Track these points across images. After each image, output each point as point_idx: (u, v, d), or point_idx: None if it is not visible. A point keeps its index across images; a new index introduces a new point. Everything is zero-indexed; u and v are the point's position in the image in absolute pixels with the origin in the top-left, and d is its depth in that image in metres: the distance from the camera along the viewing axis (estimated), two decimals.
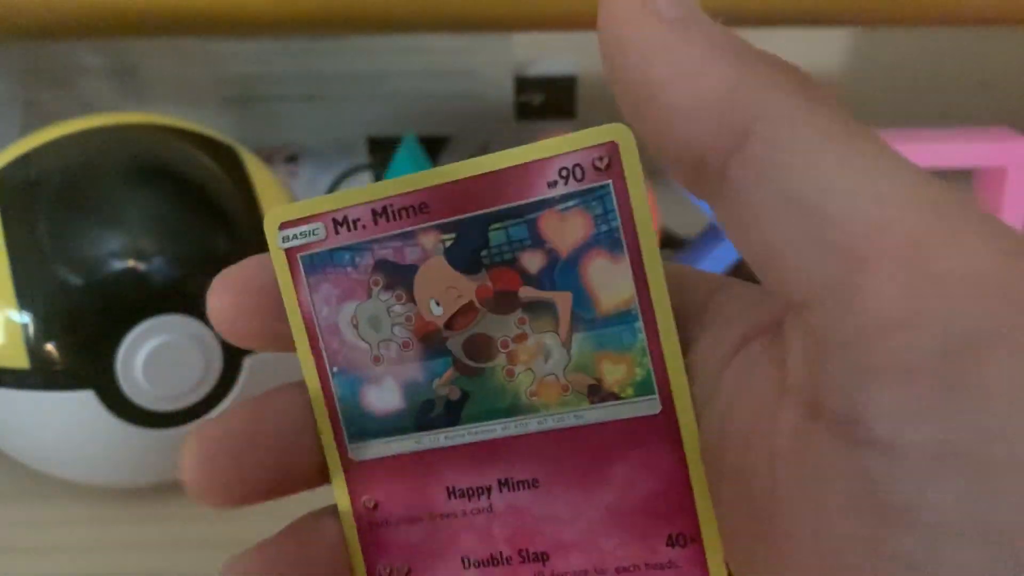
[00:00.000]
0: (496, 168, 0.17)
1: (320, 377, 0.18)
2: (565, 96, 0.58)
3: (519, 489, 0.18)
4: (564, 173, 0.17)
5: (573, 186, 0.17)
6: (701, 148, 0.14)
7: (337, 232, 0.18)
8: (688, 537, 0.17)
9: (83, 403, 0.34)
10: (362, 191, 0.18)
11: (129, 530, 0.38)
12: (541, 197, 0.17)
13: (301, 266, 0.18)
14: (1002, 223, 0.12)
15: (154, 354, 0.34)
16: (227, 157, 0.39)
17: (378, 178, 0.59)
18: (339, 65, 0.56)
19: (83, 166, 0.36)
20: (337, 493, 0.19)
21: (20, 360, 0.34)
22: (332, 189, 0.54)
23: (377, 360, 0.18)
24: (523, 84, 0.57)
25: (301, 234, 0.18)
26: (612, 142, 0.17)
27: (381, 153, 0.59)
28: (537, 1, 0.44)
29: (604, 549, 0.17)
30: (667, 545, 0.17)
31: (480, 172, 0.17)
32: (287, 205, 0.18)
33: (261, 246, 0.41)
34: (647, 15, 0.14)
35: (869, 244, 0.12)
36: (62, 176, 0.36)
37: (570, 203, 0.17)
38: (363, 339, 0.18)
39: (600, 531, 0.17)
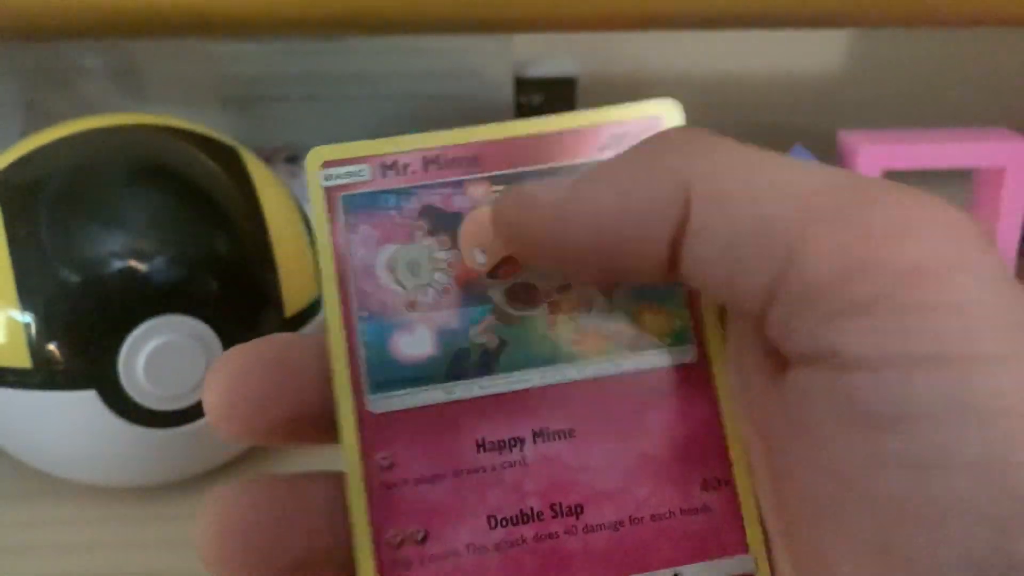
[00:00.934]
0: (550, 130, 0.18)
1: (345, 322, 0.18)
2: (565, 97, 0.58)
3: (554, 440, 0.17)
4: (613, 140, 0.18)
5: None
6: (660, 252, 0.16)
7: (384, 175, 0.18)
8: (722, 480, 0.17)
9: (85, 403, 0.34)
10: (414, 138, 0.18)
11: (131, 529, 0.38)
12: (591, 159, 0.18)
13: (341, 205, 0.18)
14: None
15: (156, 354, 0.34)
16: (228, 157, 0.39)
17: None
18: (339, 66, 0.56)
19: (85, 167, 0.36)
20: (345, 449, 0.17)
21: (22, 360, 0.34)
22: None
23: (412, 305, 0.18)
24: (523, 85, 0.57)
25: (346, 174, 0.18)
26: (659, 116, 0.18)
27: None
28: (537, 3, 0.45)
29: (639, 497, 0.17)
30: (701, 490, 0.17)
31: (534, 132, 0.18)
32: (333, 145, 0.18)
33: (262, 247, 0.41)
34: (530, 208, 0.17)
35: (801, 220, 0.14)
36: (64, 176, 0.36)
37: None
38: (400, 283, 0.18)
39: (635, 479, 0.17)
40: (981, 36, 0.62)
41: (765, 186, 0.14)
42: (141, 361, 0.34)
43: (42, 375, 0.34)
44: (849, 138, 0.46)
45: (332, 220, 0.18)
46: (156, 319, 0.34)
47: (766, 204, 0.14)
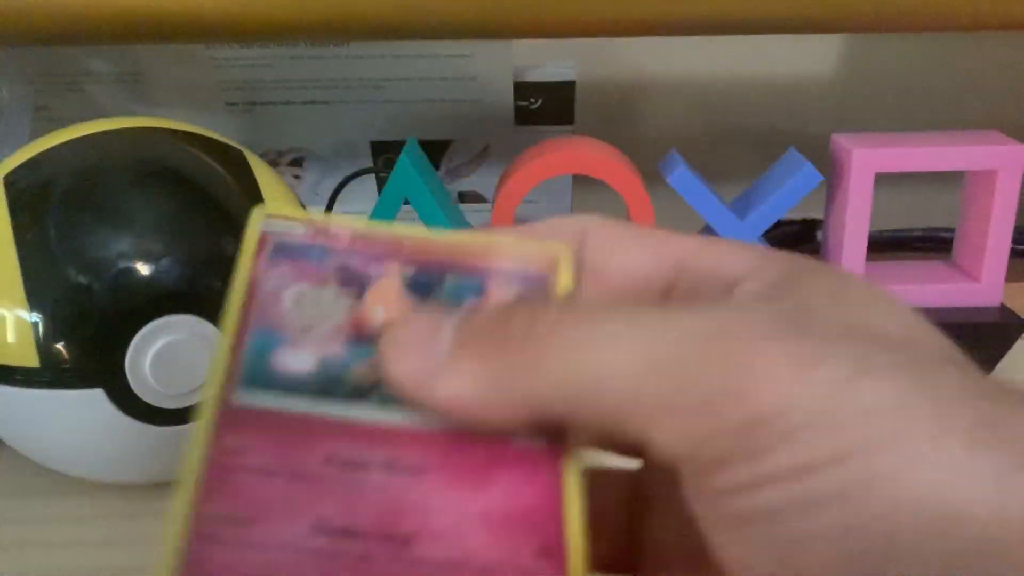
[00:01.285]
0: (467, 243, 0.21)
1: (240, 325, 0.19)
2: (564, 101, 0.58)
3: (403, 474, 0.18)
4: (507, 279, 0.20)
5: (522, 270, 0.21)
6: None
7: (315, 235, 0.20)
8: (554, 551, 0.18)
9: (92, 401, 0.35)
10: (350, 220, 0.20)
11: (138, 526, 0.38)
12: (495, 268, 0.20)
13: (271, 246, 0.20)
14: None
15: (162, 353, 0.35)
16: (234, 160, 0.39)
17: (381, 182, 0.60)
18: (343, 71, 0.56)
19: (92, 169, 0.36)
20: (198, 428, 0.18)
21: (30, 359, 0.34)
22: (336, 192, 0.55)
23: (305, 330, 0.19)
24: (523, 89, 0.58)
25: (283, 227, 0.20)
26: (555, 256, 0.21)
27: (384, 156, 0.60)
28: (537, 8, 0.45)
29: (471, 546, 0.17)
30: (534, 555, 0.18)
31: (454, 242, 0.21)
32: (279, 211, 0.20)
33: None
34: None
35: (642, 413, 0.16)
36: (72, 179, 0.36)
37: (514, 280, 0.20)
38: (300, 312, 0.19)
39: (472, 528, 0.18)
40: (972, 40, 0.62)
41: (603, 378, 0.16)
42: (148, 360, 0.34)
43: (50, 374, 0.34)
44: (842, 141, 0.46)
45: (258, 254, 0.20)
46: (162, 319, 0.34)
47: (609, 396, 0.16)
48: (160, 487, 0.40)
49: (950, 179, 0.48)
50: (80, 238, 0.34)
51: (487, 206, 0.61)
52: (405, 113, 0.58)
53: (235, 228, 0.37)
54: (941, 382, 0.15)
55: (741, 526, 0.16)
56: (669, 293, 0.21)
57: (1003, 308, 0.46)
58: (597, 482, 0.21)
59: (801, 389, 0.15)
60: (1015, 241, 0.48)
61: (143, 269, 0.34)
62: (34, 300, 0.34)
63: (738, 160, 0.64)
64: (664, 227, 0.21)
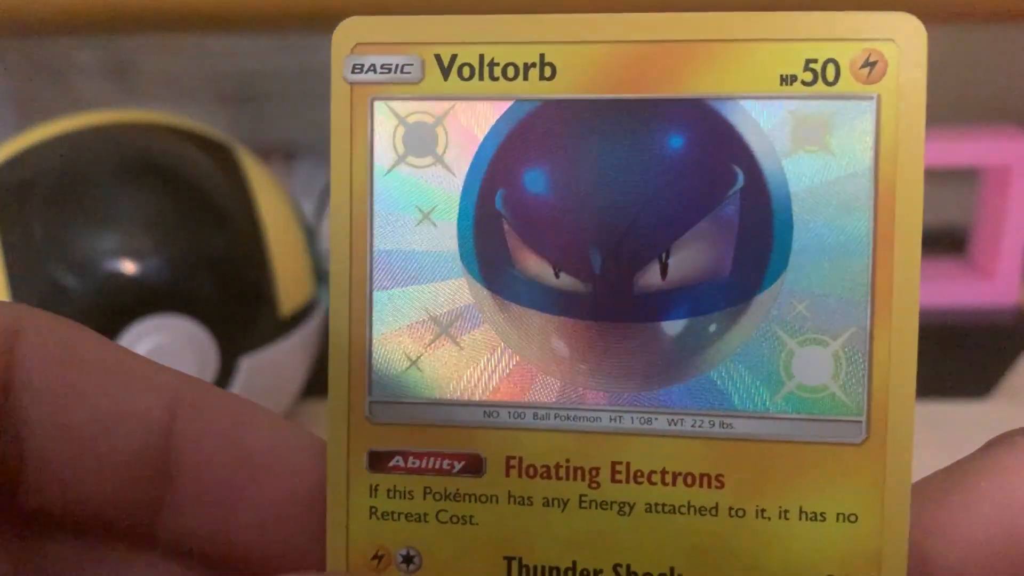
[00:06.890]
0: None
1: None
2: None
3: None
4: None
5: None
6: None
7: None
8: None
9: None
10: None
11: None
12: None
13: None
14: None
15: (150, 353, 0.34)
16: (223, 155, 0.39)
17: None
18: None
19: (78, 165, 0.36)
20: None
21: None
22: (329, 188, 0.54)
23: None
24: None
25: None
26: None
27: None
28: (537, 4, 0.44)
29: None
30: None
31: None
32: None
33: (258, 246, 0.40)
34: None
35: None
36: (57, 175, 0.35)
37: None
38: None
39: None
40: (987, 31, 0.61)
41: None
42: None
43: None
44: None
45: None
46: (149, 319, 0.34)
47: None
48: None
49: (964, 175, 0.48)
50: (65, 235, 0.34)
51: None
52: None
53: (224, 225, 0.36)
54: None
55: None
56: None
57: (1019, 308, 0.46)
58: None
59: None
60: None
61: (130, 268, 0.34)
62: (18, 299, 0.34)
63: None
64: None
